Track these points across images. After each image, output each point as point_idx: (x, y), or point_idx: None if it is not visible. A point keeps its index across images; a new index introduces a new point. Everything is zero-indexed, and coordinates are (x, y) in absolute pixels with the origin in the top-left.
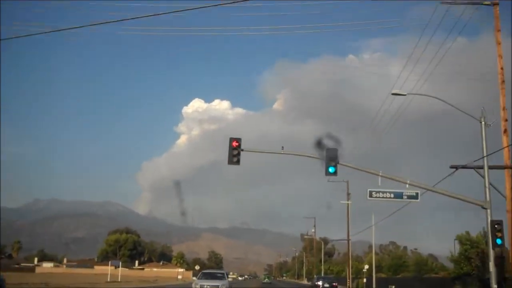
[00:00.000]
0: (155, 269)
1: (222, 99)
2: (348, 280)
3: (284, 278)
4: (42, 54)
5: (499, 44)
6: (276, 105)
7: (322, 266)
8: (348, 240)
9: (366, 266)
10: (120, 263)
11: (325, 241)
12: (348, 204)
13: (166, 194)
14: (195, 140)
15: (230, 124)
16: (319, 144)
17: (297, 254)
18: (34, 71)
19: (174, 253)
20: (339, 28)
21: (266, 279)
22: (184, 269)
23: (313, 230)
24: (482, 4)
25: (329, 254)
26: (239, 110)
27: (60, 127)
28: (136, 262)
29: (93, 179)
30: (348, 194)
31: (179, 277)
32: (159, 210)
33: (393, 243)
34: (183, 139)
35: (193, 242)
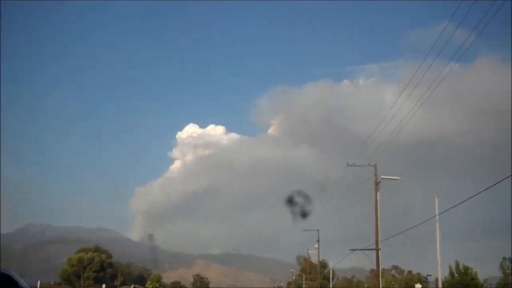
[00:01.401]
0: None
1: (216, 124)
2: None
3: None
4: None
5: None
6: (271, 130)
7: None
8: (377, 249)
9: None
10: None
11: (324, 264)
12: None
13: (160, 220)
14: (189, 165)
15: (224, 149)
16: (290, 201)
17: (293, 278)
18: (24, 98)
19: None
20: (335, 53)
21: None
22: None
23: (316, 246)
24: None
25: (328, 279)
26: (234, 135)
27: (53, 152)
28: (103, 286)
29: (86, 204)
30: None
31: None
32: (152, 236)
33: (395, 267)
34: (177, 165)
35: (186, 269)
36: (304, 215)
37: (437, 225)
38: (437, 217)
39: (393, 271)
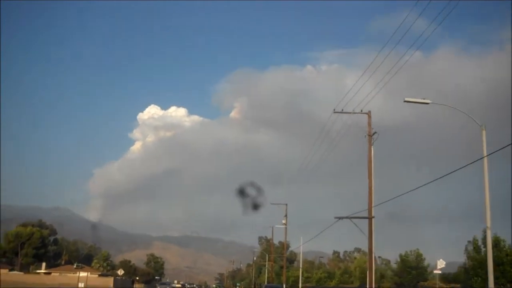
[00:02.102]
0: (69, 275)
1: (178, 106)
2: None
3: (238, 287)
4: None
5: None
6: (233, 113)
7: (284, 272)
8: (370, 217)
9: None
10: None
11: (286, 246)
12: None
13: (119, 201)
14: (150, 146)
15: (186, 131)
16: (241, 192)
17: (255, 258)
18: None
19: (107, 257)
20: (299, 38)
21: None
22: (106, 274)
23: (283, 222)
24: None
25: (290, 261)
26: (196, 118)
27: (10, 129)
28: (43, 264)
29: (43, 184)
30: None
31: (81, 285)
32: (110, 217)
33: (358, 249)
34: (137, 146)
35: (143, 250)
36: (255, 207)
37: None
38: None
39: (356, 254)
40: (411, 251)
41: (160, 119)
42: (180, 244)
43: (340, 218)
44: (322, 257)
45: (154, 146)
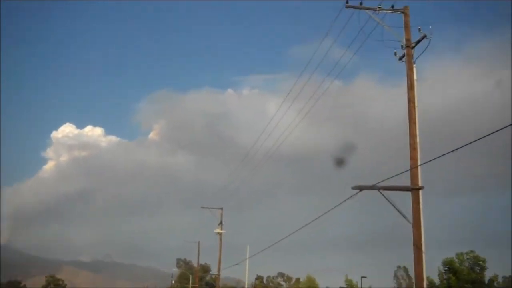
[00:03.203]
0: None
1: (95, 125)
2: None
3: None
4: None
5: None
6: (152, 135)
7: None
8: (416, 188)
9: None
10: None
11: (206, 269)
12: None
13: (28, 223)
14: (63, 166)
15: (102, 151)
16: None
17: (173, 281)
18: None
19: None
20: (222, 62)
21: None
22: None
23: (217, 231)
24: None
25: (211, 286)
26: (113, 138)
27: None
28: None
29: None
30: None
31: None
32: (19, 240)
33: (282, 274)
34: (50, 165)
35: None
36: None
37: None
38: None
39: (279, 279)
40: None
41: (75, 138)
42: (92, 270)
43: (361, 188)
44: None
45: (68, 166)
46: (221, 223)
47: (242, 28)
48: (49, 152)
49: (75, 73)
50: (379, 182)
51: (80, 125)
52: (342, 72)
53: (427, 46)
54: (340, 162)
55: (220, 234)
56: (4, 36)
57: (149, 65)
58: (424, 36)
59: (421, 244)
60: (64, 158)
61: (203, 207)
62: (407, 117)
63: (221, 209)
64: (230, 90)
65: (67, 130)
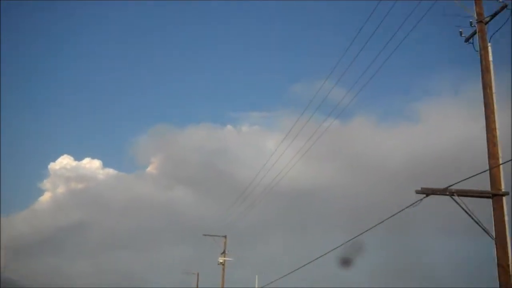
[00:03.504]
0: None
1: (93, 157)
2: None
3: None
4: None
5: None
6: (150, 169)
7: None
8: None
9: None
10: None
11: None
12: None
13: (23, 253)
14: (60, 198)
15: (100, 184)
16: None
17: None
18: None
19: None
20: (222, 98)
21: None
22: None
23: (220, 260)
24: None
25: None
26: (111, 171)
27: None
28: None
29: None
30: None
31: None
32: (13, 270)
33: None
34: (47, 197)
35: None
36: None
37: None
38: None
39: None
40: None
41: (72, 170)
42: None
43: (428, 193)
44: None
45: (65, 197)
46: (224, 252)
47: (243, 65)
48: (46, 184)
49: (75, 105)
50: (451, 185)
51: (78, 157)
52: (342, 111)
53: (508, 19)
54: (346, 262)
55: (223, 264)
56: (4, 65)
57: (149, 99)
58: (505, 6)
59: (508, 265)
60: (61, 189)
61: (205, 235)
62: (483, 106)
63: (225, 236)
64: (229, 126)
65: (64, 161)
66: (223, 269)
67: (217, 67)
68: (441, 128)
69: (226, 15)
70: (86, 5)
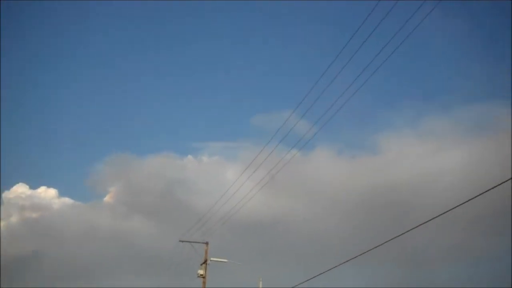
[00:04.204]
0: None
1: (49, 186)
2: None
3: None
4: None
5: None
6: (107, 198)
7: None
8: None
9: None
10: None
11: None
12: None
13: None
14: (14, 227)
15: (55, 213)
16: None
17: None
18: None
19: None
20: (182, 128)
21: None
22: None
23: (200, 273)
24: None
25: None
26: (67, 200)
27: None
28: None
29: None
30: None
31: None
32: None
33: None
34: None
35: None
36: None
37: None
38: None
39: None
40: None
41: (27, 199)
42: None
43: None
44: None
45: (19, 227)
46: (205, 262)
47: (203, 95)
48: None
49: (30, 132)
50: None
51: (34, 185)
52: (303, 143)
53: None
54: None
55: (203, 276)
56: None
57: (107, 128)
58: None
59: None
60: (14, 218)
61: (182, 241)
62: None
63: (206, 243)
64: (190, 156)
65: (19, 190)
66: (204, 282)
67: (177, 97)
68: (400, 160)
69: (183, 41)
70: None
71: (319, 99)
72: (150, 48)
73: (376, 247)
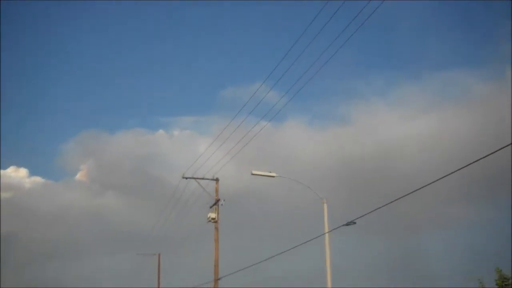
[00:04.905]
0: None
1: (19, 166)
2: None
3: None
4: None
5: None
6: (79, 176)
7: None
8: None
9: None
10: None
11: None
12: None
13: None
14: None
15: (26, 193)
16: None
17: None
18: None
19: None
20: (152, 102)
21: None
22: None
23: None
24: None
25: None
26: (38, 179)
27: None
28: None
29: None
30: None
31: None
32: None
33: None
34: None
35: None
36: None
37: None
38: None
39: None
40: None
41: None
42: None
43: None
44: None
45: None
46: (216, 203)
47: (172, 69)
48: None
49: None
50: None
51: (3, 165)
52: (273, 114)
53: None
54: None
55: (215, 220)
56: None
57: (75, 105)
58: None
59: None
60: None
61: (138, 254)
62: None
63: (216, 180)
64: (161, 131)
65: None
66: (216, 228)
67: (148, 70)
68: (370, 129)
69: (159, 16)
70: None
71: (289, 71)
72: (118, 22)
73: (364, 215)
